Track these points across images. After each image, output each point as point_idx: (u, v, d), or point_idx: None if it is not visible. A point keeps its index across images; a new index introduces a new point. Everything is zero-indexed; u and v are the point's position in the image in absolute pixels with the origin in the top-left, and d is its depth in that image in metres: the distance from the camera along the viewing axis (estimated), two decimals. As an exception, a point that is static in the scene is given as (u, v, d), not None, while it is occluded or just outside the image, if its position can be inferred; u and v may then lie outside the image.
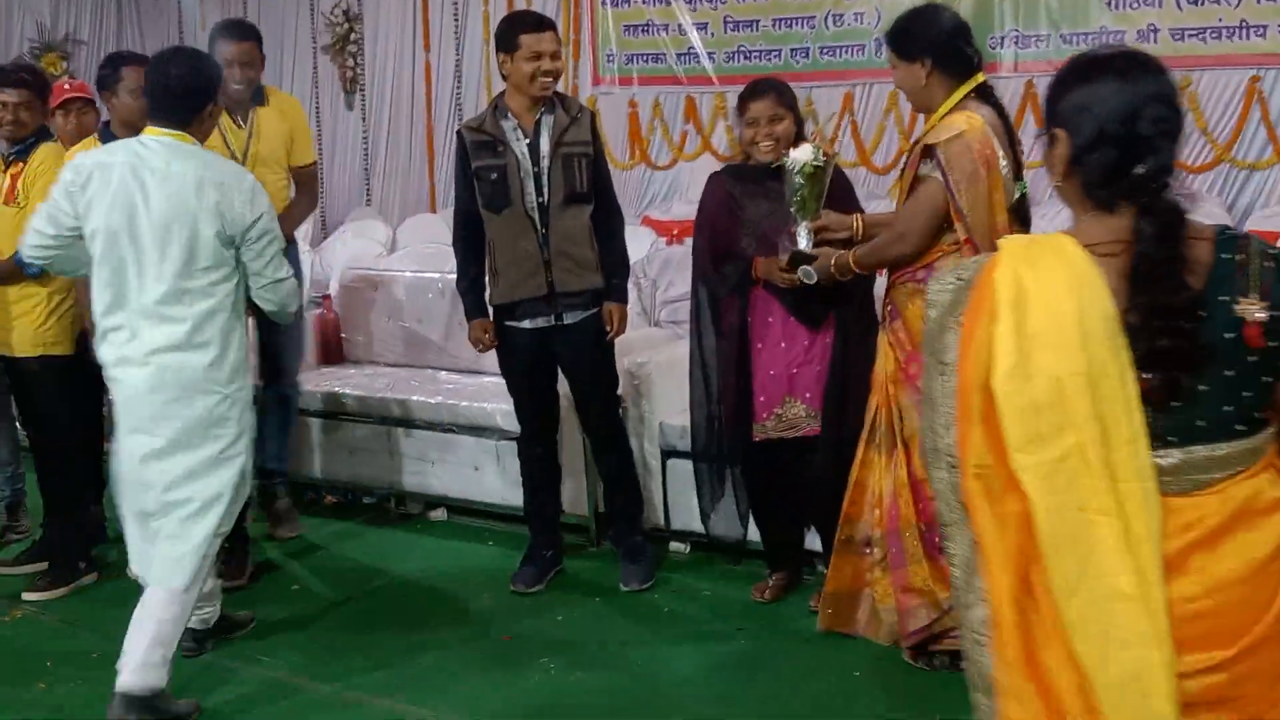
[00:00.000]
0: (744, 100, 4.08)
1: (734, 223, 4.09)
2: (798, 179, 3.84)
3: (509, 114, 4.32)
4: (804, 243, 3.87)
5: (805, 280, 3.87)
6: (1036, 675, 1.83)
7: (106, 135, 4.59)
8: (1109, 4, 5.53)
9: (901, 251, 3.63)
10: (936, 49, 3.56)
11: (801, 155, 3.85)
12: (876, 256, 3.73)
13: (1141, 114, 1.82)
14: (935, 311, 1.93)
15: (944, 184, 3.48)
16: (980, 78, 3.60)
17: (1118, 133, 1.83)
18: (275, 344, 4.97)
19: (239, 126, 4.74)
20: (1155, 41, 5.46)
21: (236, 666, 4.00)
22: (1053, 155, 1.91)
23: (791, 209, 3.89)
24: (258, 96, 4.81)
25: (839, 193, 3.99)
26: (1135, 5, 5.50)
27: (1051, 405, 1.75)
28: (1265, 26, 5.30)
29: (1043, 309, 1.77)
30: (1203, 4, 5.41)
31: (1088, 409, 1.75)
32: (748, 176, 4.11)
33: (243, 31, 4.82)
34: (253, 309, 3.77)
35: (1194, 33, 5.38)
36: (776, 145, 4.01)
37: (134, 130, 3.90)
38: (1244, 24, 5.31)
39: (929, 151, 3.51)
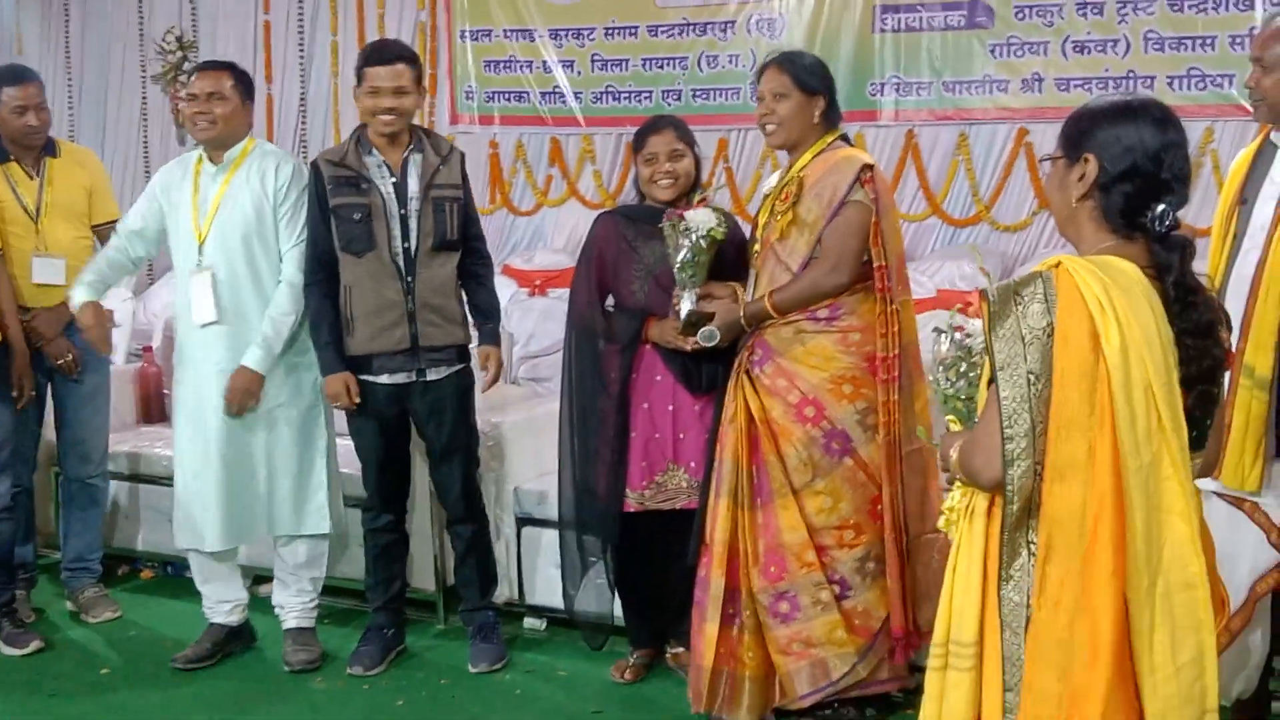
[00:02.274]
0: (641, 136, 4.19)
1: (626, 265, 4.16)
2: (692, 244, 3.92)
3: (372, 149, 4.36)
4: (687, 308, 3.96)
5: (706, 343, 3.95)
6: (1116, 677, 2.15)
7: None
8: (993, 51, 5.77)
9: (838, 282, 3.80)
10: (830, 92, 3.90)
11: (703, 220, 3.94)
12: (805, 295, 3.82)
13: (1169, 157, 2.24)
14: (1008, 327, 2.18)
15: (874, 209, 3.76)
16: (841, 130, 3.98)
17: (1148, 170, 2.24)
18: (77, 421, 4.96)
19: (30, 177, 4.84)
20: (1040, 91, 5.70)
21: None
22: (1069, 177, 2.30)
23: (679, 273, 3.97)
24: (49, 147, 4.94)
25: (734, 254, 4.09)
26: (1020, 54, 5.74)
27: (1144, 413, 2.11)
28: (1153, 78, 5.56)
29: (1132, 322, 2.11)
30: (1089, 54, 5.68)
31: (1168, 417, 2.13)
32: (642, 217, 4.19)
33: (25, 74, 4.97)
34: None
35: (1079, 83, 5.62)
36: (676, 183, 4.12)
37: None
38: (1131, 74, 5.57)
39: (859, 176, 3.77)
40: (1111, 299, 2.11)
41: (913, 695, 3.84)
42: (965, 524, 2.34)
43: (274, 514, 4.52)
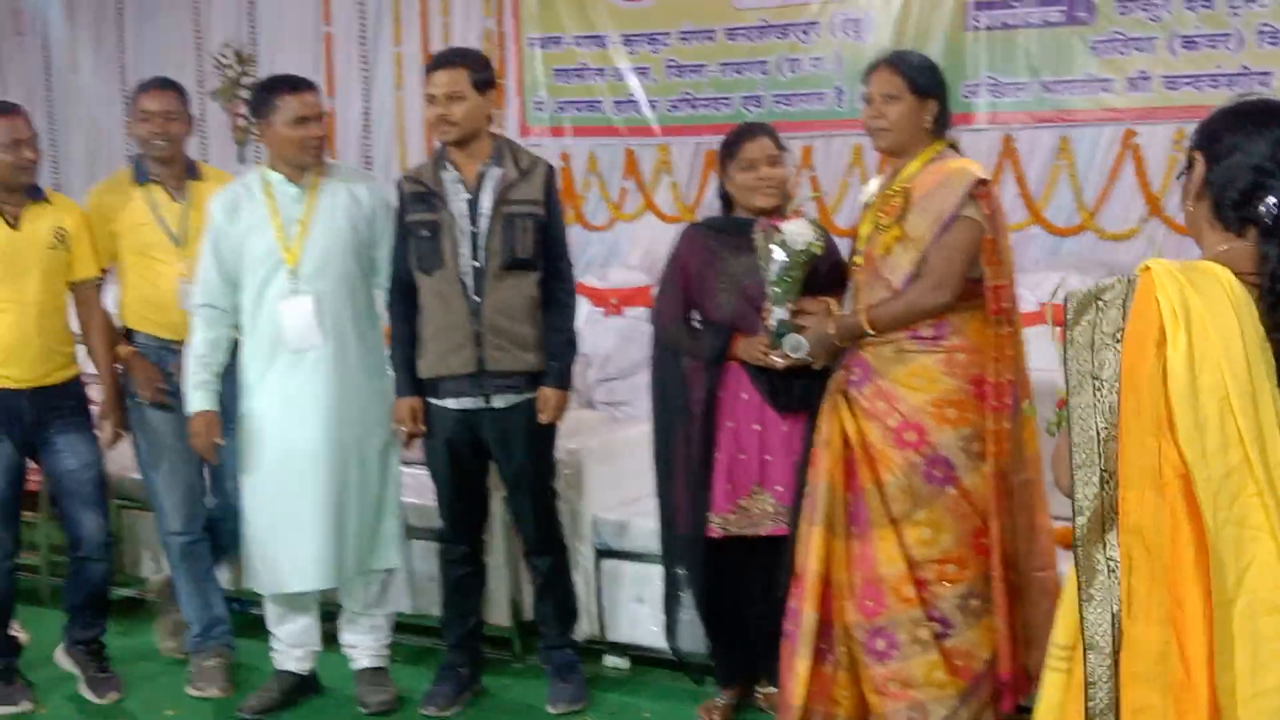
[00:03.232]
0: (734, 143, 4.15)
1: (712, 278, 4.12)
2: (788, 258, 3.86)
3: (450, 164, 4.34)
4: (777, 322, 3.92)
5: (793, 353, 3.88)
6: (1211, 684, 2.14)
7: None
8: (1094, 49, 5.66)
9: (939, 301, 3.71)
10: (943, 95, 3.86)
11: (801, 233, 3.89)
12: (904, 313, 3.74)
13: (1277, 149, 2.25)
14: (1081, 332, 2.21)
15: (987, 226, 3.69)
16: (952, 138, 3.91)
17: (1254, 162, 2.26)
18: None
19: (173, 200, 4.73)
20: (1147, 90, 5.58)
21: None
22: (1190, 179, 2.34)
23: (770, 288, 3.92)
24: (191, 169, 4.84)
25: (827, 269, 4.03)
26: (1124, 51, 5.63)
27: (1218, 424, 2.10)
28: (1269, 74, 5.43)
29: (1209, 329, 2.11)
30: (1198, 49, 5.55)
31: (1249, 428, 2.10)
32: (728, 229, 4.15)
33: (163, 84, 4.87)
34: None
35: (1188, 80, 5.50)
36: (777, 191, 4.08)
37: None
38: (1245, 70, 5.44)
39: (972, 191, 3.70)
40: (1187, 304, 2.12)
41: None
42: None
43: (362, 548, 4.47)
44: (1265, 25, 5.38)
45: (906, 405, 3.73)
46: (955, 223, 3.70)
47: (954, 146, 3.91)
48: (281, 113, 4.35)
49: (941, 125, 3.86)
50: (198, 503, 4.81)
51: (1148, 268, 2.19)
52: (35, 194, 4.59)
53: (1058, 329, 2.29)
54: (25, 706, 4.61)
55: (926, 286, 3.72)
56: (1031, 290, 5.43)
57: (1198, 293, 2.14)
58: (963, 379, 3.73)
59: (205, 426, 4.44)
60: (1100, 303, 2.20)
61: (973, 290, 3.74)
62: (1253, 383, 2.13)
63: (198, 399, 4.44)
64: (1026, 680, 3.70)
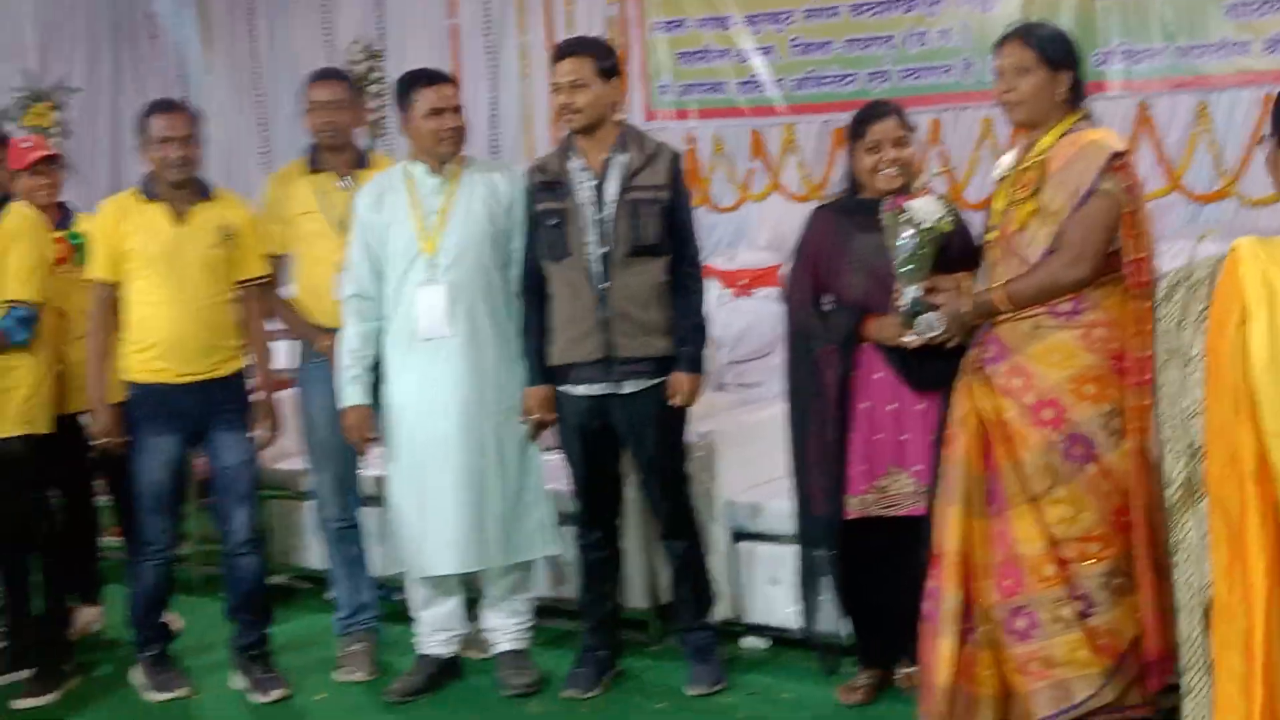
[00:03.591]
0: (861, 123, 4.15)
1: (842, 260, 4.13)
2: (916, 236, 3.86)
3: (577, 153, 4.42)
4: (909, 301, 3.91)
5: (927, 332, 3.89)
6: (1268, 662, 2.18)
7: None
8: (1230, 11, 5.54)
9: (1078, 276, 3.68)
10: (1077, 66, 3.80)
11: (929, 211, 3.88)
12: (1041, 288, 3.71)
13: None
14: (1170, 311, 2.29)
15: (1126, 199, 3.64)
16: (1085, 110, 3.83)
17: None
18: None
19: (341, 188, 4.79)
20: (1287, 52, 5.47)
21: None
22: (1276, 157, 2.38)
23: (900, 267, 3.92)
24: (362, 159, 4.94)
25: (959, 245, 4.02)
26: (1262, 12, 5.51)
27: None
28: None
29: None
30: (1342, 6, 5.42)
31: None
32: (857, 209, 4.14)
33: (331, 74, 5.06)
34: None
35: (1330, 40, 5.39)
36: (902, 172, 4.08)
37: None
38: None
39: (1110, 163, 3.65)
40: (1270, 282, 2.14)
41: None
42: None
43: (507, 535, 4.55)
44: None
45: (1044, 382, 3.70)
46: (1092, 196, 3.66)
47: (1088, 117, 3.85)
48: (419, 106, 4.46)
49: (1076, 96, 3.81)
50: (350, 489, 4.93)
51: (1235, 247, 2.20)
52: (203, 190, 4.71)
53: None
54: (181, 692, 4.77)
55: (1064, 261, 3.69)
56: (1171, 260, 5.35)
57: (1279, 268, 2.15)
58: (1102, 354, 3.69)
59: (359, 420, 4.55)
60: (1190, 282, 2.23)
61: (1111, 263, 3.70)
62: None
63: (350, 393, 4.54)
64: (1173, 658, 3.67)
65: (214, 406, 4.66)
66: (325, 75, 5.04)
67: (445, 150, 4.49)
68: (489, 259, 4.50)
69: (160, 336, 4.58)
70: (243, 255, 4.72)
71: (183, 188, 4.63)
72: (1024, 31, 3.85)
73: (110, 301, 4.64)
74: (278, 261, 4.88)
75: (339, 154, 4.84)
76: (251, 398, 4.78)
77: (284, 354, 5.23)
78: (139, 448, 4.65)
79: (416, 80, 4.54)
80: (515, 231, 4.53)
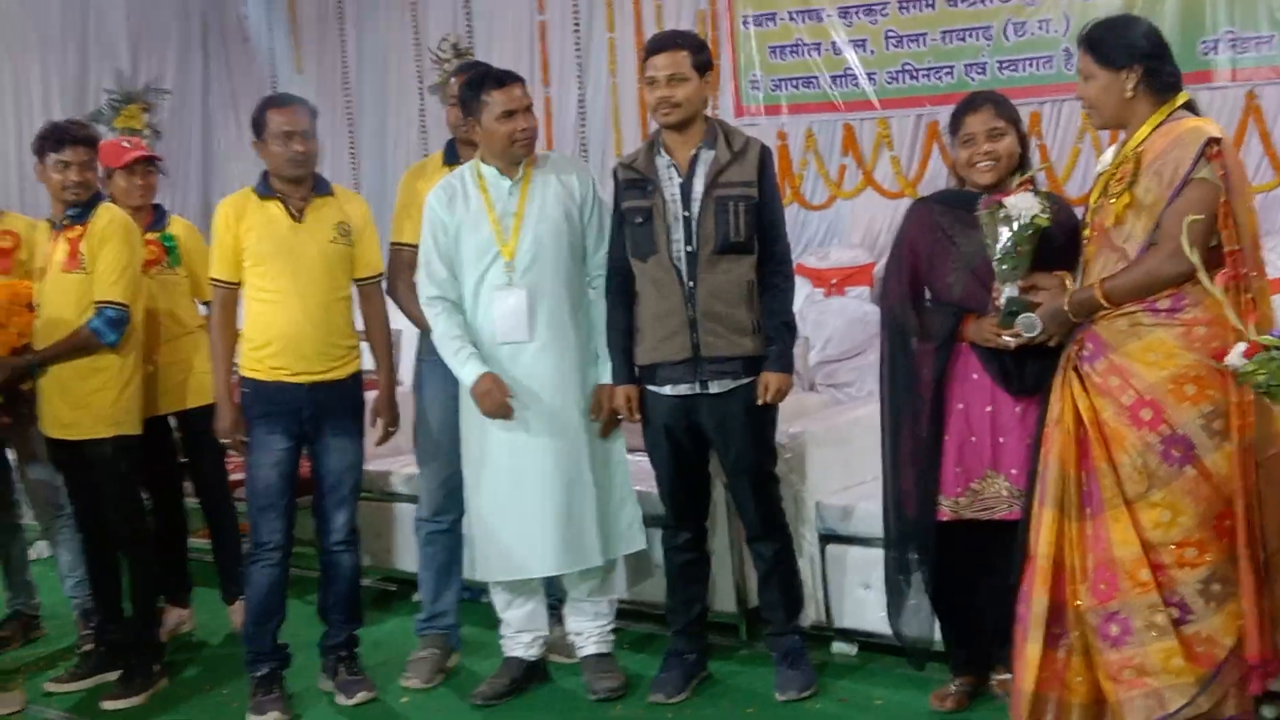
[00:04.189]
0: (957, 116, 4.13)
1: (942, 257, 4.10)
2: (1013, 232, 3.82)
3: (664, 149, 4.43)
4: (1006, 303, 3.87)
5: (1026, 333, 3.84)
6: None
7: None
8: (1343, -4, 5.43)
9: (1179, 270, 3.59)
10: (1146, 59, 3.68)
11: (1025, 206, 3.82)
12: (1142, 283, 3.65)
13: None
14: None
15: (1223, 188, 3.56)
16: (1185, 96, 3.72)
17: None
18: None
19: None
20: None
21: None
22: None
23: (998, 265, 3.88)
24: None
25: (1063, 241, 3.95)
26: (1379, -4, 5.39)
27: None
28: None
29: None
30: None
31: None
32: (959, 204, 4.11)
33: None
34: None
35: None
36: (997, 165, 4.04)
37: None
38: None
39: (1205, 151, 3.57)
40: None
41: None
42: None
43: (599, 535, 4.55)
44: None
45: (1142, 382, 3.64)
46: (1189, 185, 3.59)
47: (1189, 106, 3.76)
48: (489, 108, 4.45)
49: (1161, 87, 3.71)
50: (451, 495, 4.88)
51: None
52: (322, 187, 4.73)
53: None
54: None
55: (1164, 254, 3.62)
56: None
57: None
58: (1202, 353, 3.61)
59: (492, 385, 4.44)
60: None
61: (1212, 258, 3.62)
62: None
63: (469, 370, 4.46)
64: (1277, 663, 3.59)
65: (327, 409, 4.68)
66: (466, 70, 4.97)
67: (519, 152, 4.50)
68: (567, 258, 4.52)
69: (277, 333, 4.61)
70: (361, 252, 4.75)
71: (301, 183, 4.66)
72: (1081, 38, 3.78)
73: (230, 301, 4.69)
74: (413, 254, 4.79)
75: (473, 148, 4.76)
76: (371, 394, 4.82)
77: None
78: (252, 445, 4.68)
79: (484, 82, 4.50)
80: (596, 229, 4.55)
